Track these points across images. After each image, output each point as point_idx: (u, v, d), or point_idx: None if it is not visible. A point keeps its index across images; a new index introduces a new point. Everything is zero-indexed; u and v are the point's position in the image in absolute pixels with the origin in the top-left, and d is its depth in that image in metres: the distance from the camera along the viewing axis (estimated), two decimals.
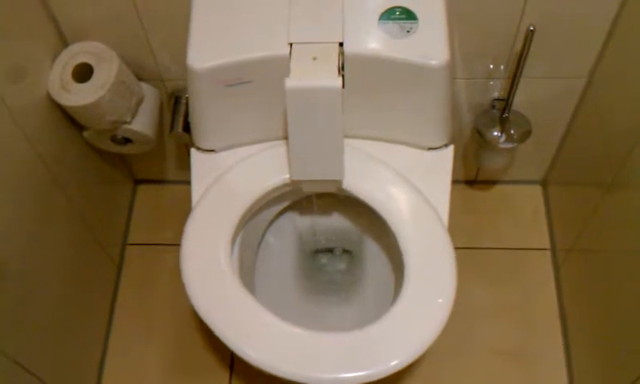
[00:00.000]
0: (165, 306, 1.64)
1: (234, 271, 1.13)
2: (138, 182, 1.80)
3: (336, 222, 1.41)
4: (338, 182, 1.20)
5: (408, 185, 1.19)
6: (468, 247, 1.67)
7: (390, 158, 1.22)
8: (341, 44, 1.09)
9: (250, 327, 1.09)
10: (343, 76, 1.08)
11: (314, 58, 1.07)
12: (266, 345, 1.07)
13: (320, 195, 1.35)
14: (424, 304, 1.10)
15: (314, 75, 1.06)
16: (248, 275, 1.29)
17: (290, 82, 1.04)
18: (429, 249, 1.15)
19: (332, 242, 1.49)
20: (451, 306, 1.10)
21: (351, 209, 1.38)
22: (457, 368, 1.54)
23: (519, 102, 1.41)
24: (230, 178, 1.21)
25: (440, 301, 1.10)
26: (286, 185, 1.20)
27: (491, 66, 1.36)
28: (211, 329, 1.08)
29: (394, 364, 1.05)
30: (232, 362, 1.57)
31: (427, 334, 1.07)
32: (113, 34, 1.30)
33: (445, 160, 1.24)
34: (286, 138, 1.18)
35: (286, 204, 1.33)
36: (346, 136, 1.17)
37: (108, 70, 1.25)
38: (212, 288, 1.12)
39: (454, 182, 1.22)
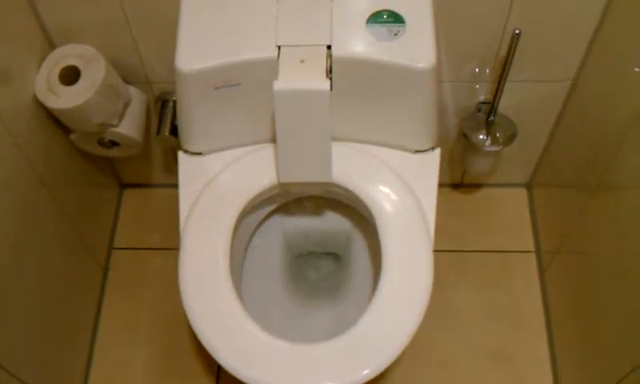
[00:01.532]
0: (151, 310, 1.64)
1: (232, 283, 1.13)
2: (125, 185, 1.80)
3: (324, 224, 1.41)
4: (327, 184, 1.20)
5: (402, 183, 1.19)
6: (454, 250, 1.68)
7: None
8: (329, 47, 1.09)
9: (241, 342, 1.09)
10: (331, 79, 1.08)
11: (302, 61, 1.08)
12: (252, 360, 1.07)
13: (308, 197, 1.36)
14: (395, 310, 1.10)
15: (302, 78, 1.06)
16: (235, 278, 1.29)
17: (279, 85, 1.04)
18: (407, 253, 1.15)
19: (319, 245, 1.50)
20: (423, 312, 1.10)
21: (339, 212, 1.38)
22: (441, 370, 1.55)
23: (505, 105, 1.42)
24: (220, 182, 1.21)
25: (411, 308, 1.10)
26: (274, 187, 1.21)
27: (477, 70, 1.37)
28: (202, 342, 1.09)
29: (365, 373, 1.05)
30: (219, 366, 1.56)
31: (397, 342, 1.07)
32: (100, 37, 1.29)
33: (431, 163, 1.24)
34: (274, 140, 1.19)
35: (273, 207, 1.33)
36: (334, 138, 1.18)
37: (95, 72, 1.25)
38: (209, 302, 1.12)
39: (440, 185, 1.23)
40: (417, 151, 1.24)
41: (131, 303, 1.65)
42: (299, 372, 1.07)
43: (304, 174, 1.18)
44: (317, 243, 1.48)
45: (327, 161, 1.15)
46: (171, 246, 1.60)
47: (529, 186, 1.75)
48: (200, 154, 1.25)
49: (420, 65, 1.09)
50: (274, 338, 1.08)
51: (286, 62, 1.08)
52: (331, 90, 1.06)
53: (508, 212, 1.74)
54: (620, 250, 1.20)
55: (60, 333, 1.45)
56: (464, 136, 1.45)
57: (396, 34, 1.11)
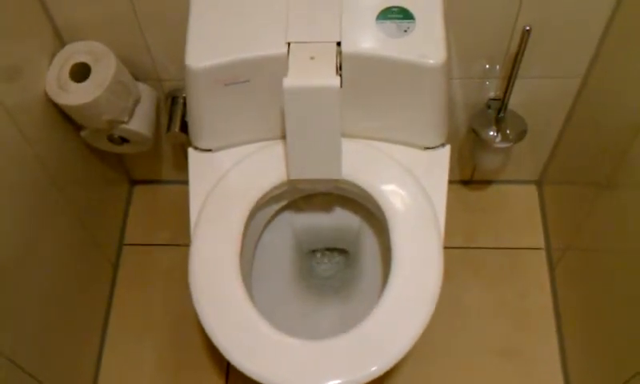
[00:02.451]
0: (161, 305, 1.64)
1: (242, 280, 1.13)
2: (135, 182, 1.80)
3: (333, 221, 1.41)
4: (336, 181, 1.20)
5: (412, 180, 1.19)
6: (463, 247, 1.68)
7: None
8: (338, 43, 1.09)
9: (250, 339, 1.09)
10: (341, 75, 1.08)
11: (312, 58, 1.08)
12: (260, 357, 1.07)
13: (317, 194, 1.36)
14: (404, 307, 1.10)
15: (312, 75, 1.06)
16: (245, 275, 1.29)
17: (288, 82, 1.04)
18: (417, 250, 1.15)
19: (329, 242, 1.50)
20: (432, 309, 1.09)
21: (348, 208, 1.38)
22: (451, 367, 1.55)
23: (515, 101, 1.42)
24: (230, 179, 1.21)
25: (420, 305, 1.09)
26: (283, 184, 1.21)
27: (487, 66, 1.37)
28: (211, 339, 1.09)
29: (373, 370, 1.05)
30: (228, 363, 1.56)
31: (406, 339, 1.07)
32: (110, 34, 1.30)
33: (441, 159, 1.24)
34: (283, 137, 1.19)
35: (283, 203, 1.34)
36: (344, 135, 1.18)
37: (105, 69, 1.25)
38: (218, 299, 1.12)
39: (450, 181, 1.23)
40: (427, 148, 1.24)
41: (141, 299, 1.65)
42: (308, 368, 1.07)
43: (314, 170, 1.18)
44: (326, 240, 1.48)
45: (337, 157, 1.15)
46: (181, 243, 1.60)
47: (539, 183, 1.75)
48: (210, 150, 1.25)
49: (430, 61, 1.09)
50: (283, 334, 1.08)
51: (296, 58, 1.08)
52: (341, 86, 1.05)
53: (518, 209, 1.73)
54: (630, 247, 1.20)
55: (70, 329, 1.45)
56: (474, 132, 1.45)
57: (406, 31, 1.10)
